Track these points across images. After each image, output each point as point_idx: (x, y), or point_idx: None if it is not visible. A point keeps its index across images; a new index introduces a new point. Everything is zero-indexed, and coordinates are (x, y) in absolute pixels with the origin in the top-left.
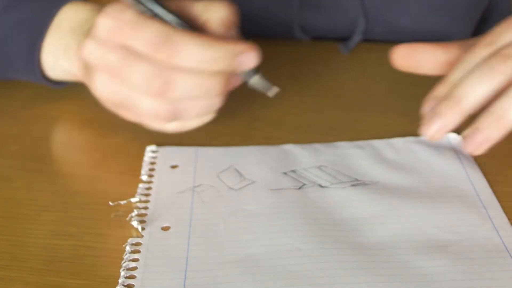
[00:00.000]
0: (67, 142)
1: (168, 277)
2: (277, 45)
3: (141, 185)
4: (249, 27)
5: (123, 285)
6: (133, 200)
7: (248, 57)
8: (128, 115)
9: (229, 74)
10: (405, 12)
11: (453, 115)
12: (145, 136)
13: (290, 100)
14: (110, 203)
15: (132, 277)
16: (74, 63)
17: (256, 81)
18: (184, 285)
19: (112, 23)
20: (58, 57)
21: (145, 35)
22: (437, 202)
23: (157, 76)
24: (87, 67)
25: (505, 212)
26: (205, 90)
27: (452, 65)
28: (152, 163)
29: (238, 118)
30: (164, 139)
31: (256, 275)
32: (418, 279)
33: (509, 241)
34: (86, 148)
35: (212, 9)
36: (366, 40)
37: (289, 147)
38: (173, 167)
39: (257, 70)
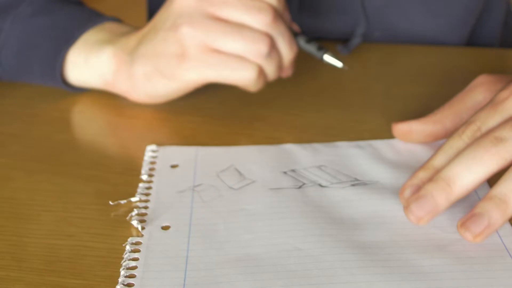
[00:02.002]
0: (67, 142)
1: (168, 277)
2: None
3: (141, 185)
4: None
5: (123, 285)
6: (133, 199)
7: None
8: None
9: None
10: (404, 16)
11: (443, 198)
12: (145, 136)
13: (290, 100)
14: (110, 203)
15: (132, 276)
16: (113, 57)
17: (327, 58)
18: (184, 284)
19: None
20: (90, 55)
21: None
22: None
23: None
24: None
25: None
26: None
27: (436, 136)
28: (152, 163)
29: (238, 118)
30: (164, 139)
31: (256, 275)
32: (417, 278)
33: (509, 241)
34: (86, 147)
35: None
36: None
37: (289, 147)
38: (173, 166)
39: (325, 49)
